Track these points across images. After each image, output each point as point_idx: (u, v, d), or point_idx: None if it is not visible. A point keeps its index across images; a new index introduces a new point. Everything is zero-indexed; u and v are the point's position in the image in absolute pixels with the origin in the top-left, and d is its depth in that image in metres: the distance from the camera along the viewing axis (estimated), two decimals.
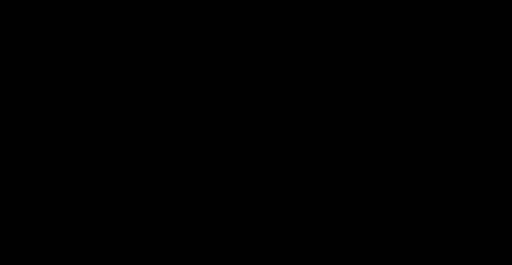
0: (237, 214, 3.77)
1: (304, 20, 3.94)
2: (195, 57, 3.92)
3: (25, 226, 3.53)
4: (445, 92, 3.82)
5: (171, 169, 3.73)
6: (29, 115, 3.69)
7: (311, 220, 3.78)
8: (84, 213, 3.64)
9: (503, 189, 3.73)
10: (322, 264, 3.70)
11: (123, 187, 3.69)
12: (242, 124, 3.91)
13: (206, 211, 3.73)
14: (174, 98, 3.83)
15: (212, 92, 3.94)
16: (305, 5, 3.94)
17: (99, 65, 3.78)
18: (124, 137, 3.73)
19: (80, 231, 3.60)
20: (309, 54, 3.94)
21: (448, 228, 3.70)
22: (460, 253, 3.68)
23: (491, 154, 3.76)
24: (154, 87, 3.80)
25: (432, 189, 3.74)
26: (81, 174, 3.68)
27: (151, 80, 3.80)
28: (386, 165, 3.79)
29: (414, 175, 3.76)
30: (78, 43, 3.78)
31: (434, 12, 3.85)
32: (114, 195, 3.67)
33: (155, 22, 3.86)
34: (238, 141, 3.89)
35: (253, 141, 3.89)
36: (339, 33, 3.92)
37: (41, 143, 3.67)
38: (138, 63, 3.81)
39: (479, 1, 3.83)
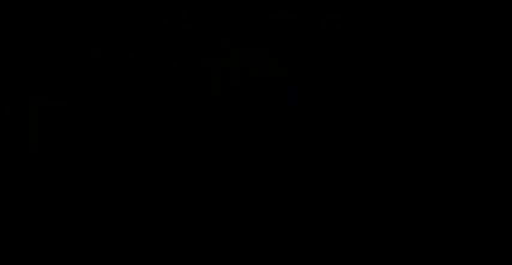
0: (237, 213, 3.77)
1: (304, 20, 3.94)
2: (195, 57, 3.92)
3: (25, 226, 3.52)
4: (445, 92, 3.82)
5: (171, 168, 3.72)
6: (29, 115, 3.69)
7: (311, 219, 3.78)
8: (84, 212, 3.64)
9: (502, 188, 3.73)
10: (322, 263, 3.70)
11: (124, 187, 3.69)
12: (242, 124, 3.91)
13: (206, 211, 3.73)
14: (174, 98, 3.83)
15: (212, 92, 3.94)
16: (305, 5, 3.94)
17: (99, 65, 3.78)
18: (124, 137, 3.73)
19: (80, 231, 3.60)
20: (309, 54, 3.94)
21: (447, 227, 3.70)
22: (458, 252, 3.68)
23: (490, 154, 3.76)
24: (154, 87, 3.80)
25: (432, 188, 3.74)
26: (81, 174, 3.68)
27: (151, 80, 3.80)
28: (386, 165, 3.79)
29: (414, 174, 3.76)
30: (78, 43, 3.78)
31: (434, 12, 3.85)
32: (114, 195, 3.67)
33: (155, 22, 3.86)
34: (238, 141, 3.89)
35: (253, 141, 3.89)
36: (339, 33, 3.92)
37: (41, 143, 3.67)
38: (138, 63, 3.81)
39: (479, 1, 3.83)
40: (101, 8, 3.81)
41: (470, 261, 3.64)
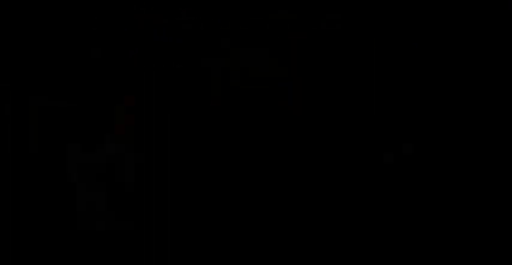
0: (236, 211, 3.77)
1: (304, 20, 3.94)
2: (195, 57, 3.92)
3: (25, 226, 3.52)
4: (444, 92, 3.82)
5: (171, 168, 3.72)
6: (29, 115, 3.69)
7: (310, 218, 3.78)
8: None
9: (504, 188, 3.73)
10: (323, 262, 3.70)
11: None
12: (242, 124, 3.90)
13: (206, 210, 3.72)
14: (174, 98, 3.83)
15: (212, 92, 3.94)
16: (305, 5, 3.94)
17: (99, 65, 3.78)
18: (125, 137, 3.72)
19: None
20: (309, 54, 3.94)
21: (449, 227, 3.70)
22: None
23: (490, 153, 3.76)
24: (154, 87, 3.80)
25: (437, 188, 3.74)
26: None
27: (151, 80, 3.80)
28: (386, 164, 3.79)
29: (415, 173, 3.75)
30: (78, 43, 3.78)
31: (434, 12, 3.85)
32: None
33: (155, 22, 3.86)
34: (238, 140, 3.89)
35: (253, 140, 3.89)
36: (339, 33, 3.92)
37: (41, 143, 3.67)
38: (138, 63, 3.81)
39: (479, 1, 3.83)
40: (101, 8, 3.81)
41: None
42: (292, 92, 3.93)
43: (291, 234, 3.74)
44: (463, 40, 3.84)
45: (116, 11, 3.82)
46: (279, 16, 3.93)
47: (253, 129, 3.91)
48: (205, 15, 3.92)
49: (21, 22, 3.72)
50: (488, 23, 3.83)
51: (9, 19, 3.71)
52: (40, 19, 3.74)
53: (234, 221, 3.75)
